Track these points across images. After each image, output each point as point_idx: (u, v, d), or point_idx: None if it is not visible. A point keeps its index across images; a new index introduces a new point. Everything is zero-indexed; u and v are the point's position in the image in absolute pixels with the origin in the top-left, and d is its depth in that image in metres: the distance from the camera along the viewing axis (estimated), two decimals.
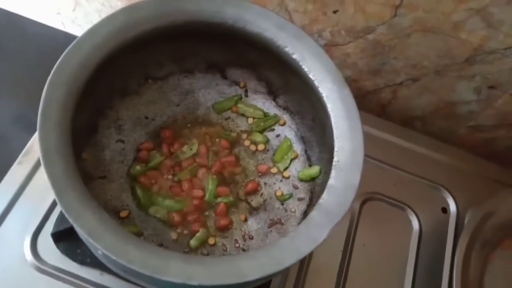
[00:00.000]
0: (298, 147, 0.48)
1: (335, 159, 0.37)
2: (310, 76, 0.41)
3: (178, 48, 0.45)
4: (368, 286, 0.48)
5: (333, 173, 0.36)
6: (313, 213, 0.34)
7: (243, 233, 0.43)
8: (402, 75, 0.59)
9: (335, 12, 0.54)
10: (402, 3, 0.50)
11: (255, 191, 0.44)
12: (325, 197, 0.35)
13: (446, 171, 0.56)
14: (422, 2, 0.49)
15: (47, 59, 0.65)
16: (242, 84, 0.49)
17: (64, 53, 0.35)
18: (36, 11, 0.70)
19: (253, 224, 0.44)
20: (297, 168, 0.47)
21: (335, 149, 0.38)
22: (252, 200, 0.45)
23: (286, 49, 0.41)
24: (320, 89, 0.40)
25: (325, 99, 0.40)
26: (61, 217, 0.44)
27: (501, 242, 0.47)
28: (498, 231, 0.46)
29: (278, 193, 0.45)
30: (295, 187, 0.46)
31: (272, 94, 0.49)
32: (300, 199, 0.45)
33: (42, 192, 0.45)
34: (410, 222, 0.52)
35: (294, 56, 0.41)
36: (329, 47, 0.59)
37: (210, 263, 0.31)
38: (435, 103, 0.62)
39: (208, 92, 0.49)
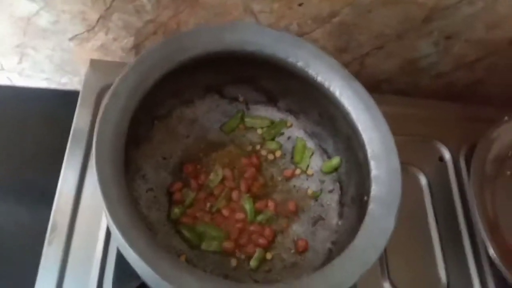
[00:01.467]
0: (311, 144, 0.50)
1: (368, 150, 0.40)
2: (319, 79, 0.43)
3: (177, 83, 0.45)
4: (401, 244, 0.52)
5: (372, 164, 0.40)
6: (372, 206, 0.37)
7: (292, 239, 0.45)
8: (367, 46, 0.63)
9: (300, 5, 0.55)
10: None
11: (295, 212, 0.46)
12: (376, 188, 0.38)
13: (428, 123, 0.61)
14: None
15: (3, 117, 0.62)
16: (241, 99, 0.50)
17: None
18: None
19: (297, 228, 0.46)
20: (317, 164, 0.49)
21: (365, 140, 0.41)
22: None
23: (290, 59, 0.43)
24: (331, 89, 0.43)
25: (339, 97, 0.42)
26: (117, 284, 0.43)
27: (503, 173, 0.54)
28: (497, 164, 0.53)
29: (309, 192, 0.48)
30: (322, 182, 0.48)
31: (272, 100, 0.51)
32: (330, 191, 0.48)
33: (84, 265, 0.44)
34: (417, 178, 0.57)
35: (299, 64, 0.43)
36: None
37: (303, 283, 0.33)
38: (399, 63, 0.66)
39: (211, 115, 0.49)
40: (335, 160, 0.47)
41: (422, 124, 0.60)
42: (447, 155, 0.59)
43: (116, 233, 0.30)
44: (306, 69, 0.43)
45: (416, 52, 0.64)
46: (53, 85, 0.67)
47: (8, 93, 0.67)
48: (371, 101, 0.41)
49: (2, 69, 0.64)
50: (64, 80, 0.66)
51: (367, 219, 0.36)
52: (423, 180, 0.57)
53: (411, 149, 0.58)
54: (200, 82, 0.47)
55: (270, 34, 0.42)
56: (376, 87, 0.71)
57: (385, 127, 0.40)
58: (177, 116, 0.48)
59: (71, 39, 0.58)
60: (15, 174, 0.59)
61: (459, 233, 0.55)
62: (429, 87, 0.71)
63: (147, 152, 0.45)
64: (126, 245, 0.30)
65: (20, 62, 0.63)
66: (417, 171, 0.57)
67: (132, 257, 0.30)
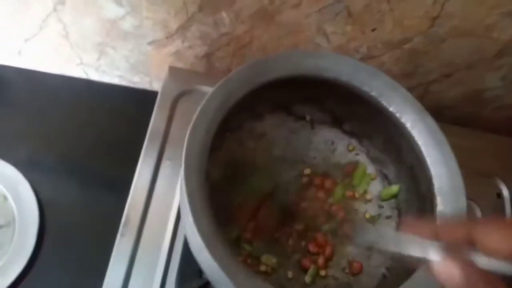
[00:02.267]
0: (372, 169, 0.51)
1: (436, 185, 0.41)
2: (391, 109, 0.44)
3: (252, 99, 0.47)
4: None
5: (438, 199, 0.40)
6: None
7: (347, 260, 0.47)
8: (435, 73, 0.63)
9: (373, 30, 0.56)
10: (440, 14, 0.53)
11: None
12: None
13: (488, 157, 0.61)
14: (458, 12, 0.53)
15: (73, 108, 0.66)
16: (308, 118, 0.52)
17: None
18: (56, 65, 0.69)
19: (353, 250, 0.47)
20: (377, 189, 0.50)
21: (433, 174, 0.42)
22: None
23: (364, 88, 0.44)
24: (403, 120, 0.44)
25: (409, 129, 0.43)
26: (180, 281, 0.46)
27: None
28: None
29: (367, 215, 0.49)
30: (380, 207, 0.50)
31: (338, 122, 0.52)
32: (388, 217, 0.49)
33: (151, 259, 0.47)
34: (472, 211, 0.57)
35: (373, 94, 0.44)
36: (364, 60, 0.61)
37: None
38: (464, 92, 0.66)
39: (279, 130, 0.51)
40: (395, 188, 0.48)
41: (482, 158, 0.60)
42: (505, 192, 0.58)
43: (199, 242, 0.33)
44: (379, 99, 0.44)
45: (483, 84, 0.64)
46: (124, 83, 0.71)
47: (83, 86, 0.71)
48: (442, 137, 0.42)
49: (81, 63, 0.68)
50: (136, 79, 0.70)
51: None
52: (478, 215, 0.57)
53: (468, 182, 0.58)
54: (272, 99, 0.49)
55: (347, 62, 0.44)
56: (438, 113, 0.70)
57: (454, 165, 0.41)
58: (247, 129, 0.50)
59: (149, 43, 0.61)
60: (88, 161, 0.63)
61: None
62: (490, 119, 0.71)
63: (217, 159, 0.48)
64: (209, 255, 0.33)
65: (98, 59, 0.67)
66: (473, 205, 0.57)
67: (211, 266, 0.33)
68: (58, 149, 0.64)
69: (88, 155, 0.64)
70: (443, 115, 0.71)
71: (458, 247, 0.26)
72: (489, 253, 0.25)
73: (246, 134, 0.50)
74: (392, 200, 0.50)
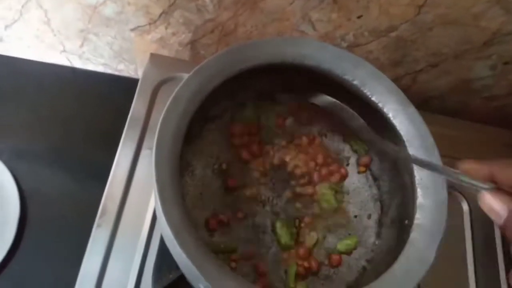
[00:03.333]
0: (353, 158, 0.50)
1: (417, 177, 0.40)
2: (373, 99, 0.43)
3: (232, 87, 0.46)
4: (436, 268, 0.52)
5: (419, 191, 0.40)
6: (414, 235, 0.38)
7: (327, 252, 0.46)
8: (422, 62, 0.62)
9: (359, 17, 0.55)
10: (426, 2, 0.52)
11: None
12: (420, 217, 0.38)
13: (476, 147, 0.60)
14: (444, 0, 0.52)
15: (57, 96, 0.65)
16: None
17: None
18: (38, 51, 0.67)
19: (333, 241, 0.47)
20: (361, 180, 0.49)
21: (414, 167, 0.41)
22: None
23: (346, 77, 0.43)
24: (385, 110, 0.43)
25: (392, 119, 0.42)
26: (157, 272, 0.46)
27: None
28: None
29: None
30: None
31: None
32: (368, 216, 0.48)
33: (128, 250, 0.46)
34: (459, 204, 0.56)
35: (355, 82, 0.43)
36: (351, 48, 0.60)
37: None
38: (452, 82, 0.65)
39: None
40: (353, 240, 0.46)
41: (469, 148, 0.59)
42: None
43: (168, 233, 0.32)
44: (362, 88, 0.43)
45: (471, 73, 0.63)
46: (109, 71, 0.70)
47: (67, 74, 0.70)
48: (425, 129, 0.41)
49: (64, 50, 0.67)
50: (120, 67, 0.68)
51: (407, 247, 0.37)
52: (464, 206, 0.56)
53: None
54: (254, 87, 0.48)
55: (329, 50, 0.43)
56: (426, 103, 0.70)
57: (436, 157, 0.40)
58: (229, 118, 0.49)
59: (132, 29, 0.60)
60: (71, 150, 0.62)
61: (496, 262, 0.54)
62: (479, 109, 0.70)
63: (198, 150, 0.47)
64: (177, 245, 0.32)
65: (81, 46, 0.65)
66: (459, 196, 0.57)
67: (180, 257, 0.32)
68: (41, 138, 0.63)
69: (72, 145, 0.63)
70: (432, 105, 0.70)
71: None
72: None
73: (227, 123, 0.49)
74: (375, 192, 0.49)
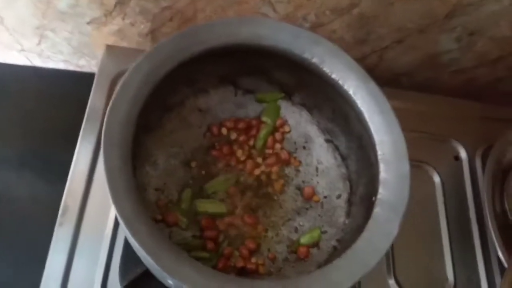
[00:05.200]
0: (321, 140, 0.50)
1: (379, 152, 0.40)
2: (333, 76, 0.42)
3: (190, 73, 0.45)
4: (409, 242, 0.52)
5: (381, 166, 0.39)
6: (377, 210, 0.37)
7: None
8: (387, 39, 0.62)
9: None
10: None
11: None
12: (383, 192, 0.38)
13: (446, 120, 0.60)
14: None
15: (19, 97, 0.63)
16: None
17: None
18: None
19: (304, 223, 0.46)
20: (328, 161, 0.49)
21: (376, 142, 0.40)
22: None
23: (305, 55, 0.42)
24: (346, 87, 0.42)
25: (353, 96, 0.42)
26: (124, 267, 0.44)
27: None
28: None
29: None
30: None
31: (287, 94, 0.50)
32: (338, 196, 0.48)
33: (93, 247, 0.45)
34: (430, 176, 0.56)
35: (314, 60, 0.42)
36: (314, 28, 0.59)
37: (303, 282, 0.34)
38: (419, 57, 0.65)
39: (225, 106, 0.49)
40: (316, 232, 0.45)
41: (439, 122, 0.59)
42: (463, 154, 0.58)
43: (121, 223, 0.31)
44: (321, 66, 0.42)
45: (438, 47, 0.63)
46: (71, 67, 0.68)
47: (28, 73, 0.68)
48: (386, 103, 0.41)
49: (22, 49, 0.65)
50: (81, 62, 0.66)
51: (371, 222, 0.36)
52: (436, 179, 0.56)
53: (426, 147, 0.58)
54: (214, 72, 0.47)
55: (286, 29, 0.42)
56: (394, 80, 0.69)
57: (398, 131, 0.40)
58: (190, 105, 0.48)
59: (89, 23, 0.58)
60: (32, 150, 0.61)
61: (469, 233, 0.54)
62: (448, 83, 0.70)
63: (159, 139, 0.46)
64: (130, 235, 0.31)
65: (39, 43, 0.63)
66: (431, 169, 0.57)
67: (136, 247, 0.31)
68: (4, 139, 0.61)
69: (36, 144, 0.61)
70: (401, 82, 0.70)
71: None
72: None
73: (189, 111, 0.48)
74: (344, 171, 0.48)
